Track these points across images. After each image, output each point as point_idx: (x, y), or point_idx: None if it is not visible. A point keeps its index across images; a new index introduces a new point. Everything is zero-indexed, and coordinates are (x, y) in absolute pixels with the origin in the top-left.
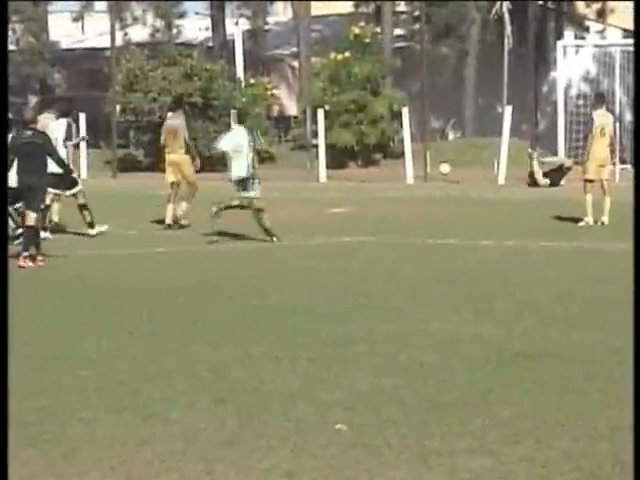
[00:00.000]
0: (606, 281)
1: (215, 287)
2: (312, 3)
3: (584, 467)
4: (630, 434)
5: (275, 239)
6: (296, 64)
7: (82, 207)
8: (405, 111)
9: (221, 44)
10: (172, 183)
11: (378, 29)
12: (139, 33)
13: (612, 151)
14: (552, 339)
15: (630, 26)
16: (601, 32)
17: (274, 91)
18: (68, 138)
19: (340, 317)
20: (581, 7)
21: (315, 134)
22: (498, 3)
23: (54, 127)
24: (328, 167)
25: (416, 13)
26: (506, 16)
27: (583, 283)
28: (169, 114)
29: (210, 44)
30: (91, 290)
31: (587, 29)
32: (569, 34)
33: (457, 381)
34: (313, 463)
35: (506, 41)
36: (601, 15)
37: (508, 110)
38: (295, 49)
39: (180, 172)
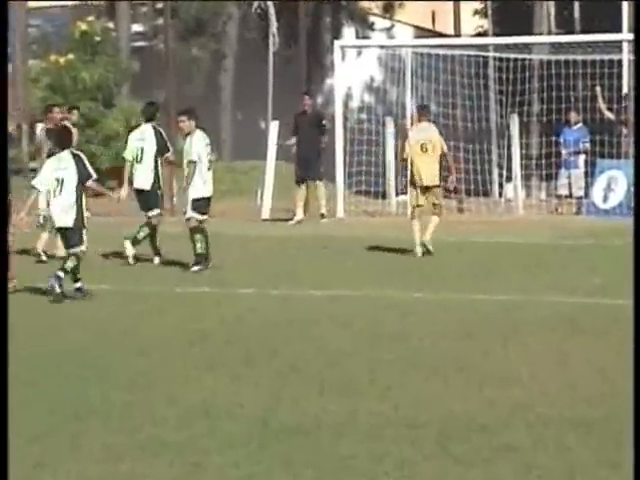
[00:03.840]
0: (393, 338)
1: None
2: None
3: None
4: None
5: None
6: (10, 69)
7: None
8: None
9: None
10: None
11: (112, 24)
12: None
13: (448, 169)
14: (327, 409)
15: (424, 23)
16: (388, 30)
17: None
18: None
19: (71, 382)
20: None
21: (33, 156)
22: None
23: None
24: None
25: (159, 6)
26: (271, 11)
27: (361, 340)
28: None
29: None
30: None
31: (371, 26)
32: (349, 32)
33: (211, 464)
34: None
35: (271, 41)
36: (388, 10)
37: (274, 126)
38: (8, 50)
39: None
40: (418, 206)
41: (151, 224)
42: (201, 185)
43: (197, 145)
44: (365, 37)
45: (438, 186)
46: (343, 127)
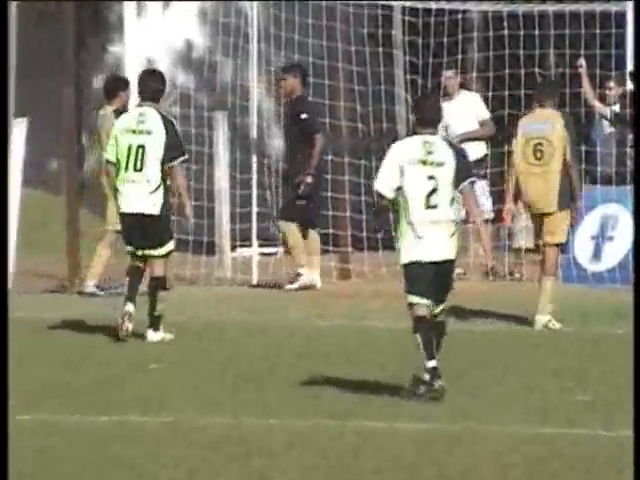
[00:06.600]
0: None
1: None
2: None
3: None
4: None
5: None
6: None
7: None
8: None
9: None
10: None
11: None
12: None
13: (571, 187)
14: None
15: None
16: None
17: None
18: None
19: None
20: None
21: None
22: None
23: None
24: None
25: None
26: None
27: None
28: None
29: None
30: None
31: None
32: None
33: None
34: None
35: None
36: None
37: (20, 128)
38: None
39: None
40: (535, 248)
41: (157, 283)
42: None
43: None
44: None
45: (554, 213)
46: None
